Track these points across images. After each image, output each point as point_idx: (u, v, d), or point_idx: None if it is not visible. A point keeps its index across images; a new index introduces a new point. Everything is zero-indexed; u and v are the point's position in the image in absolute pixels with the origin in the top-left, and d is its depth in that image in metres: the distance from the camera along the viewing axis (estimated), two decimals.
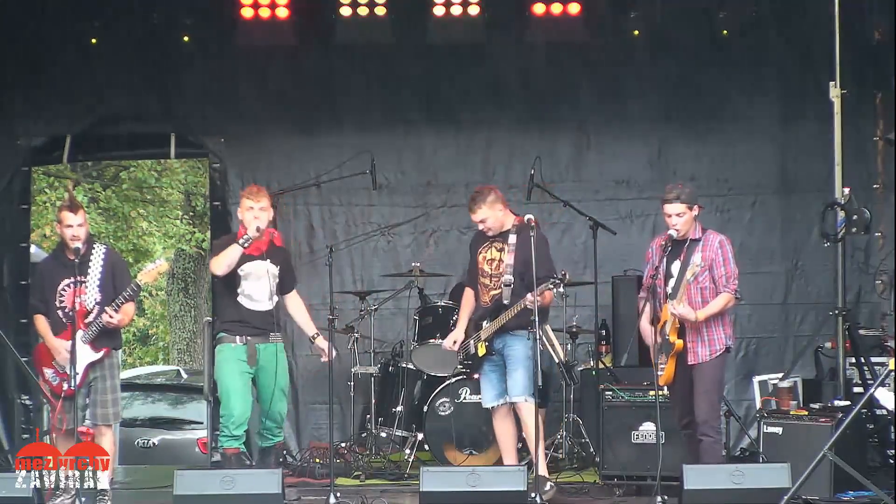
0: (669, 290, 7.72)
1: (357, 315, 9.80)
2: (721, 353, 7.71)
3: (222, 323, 8.42)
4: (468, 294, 8.39)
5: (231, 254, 8.20)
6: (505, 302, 8.06)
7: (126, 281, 8.14)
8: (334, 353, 8.32)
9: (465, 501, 7.23)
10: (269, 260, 8.33)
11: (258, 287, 8.30)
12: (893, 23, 9.37)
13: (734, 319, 7.96)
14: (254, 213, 8.22)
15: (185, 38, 10.11)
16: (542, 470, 7.96)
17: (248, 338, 8.26)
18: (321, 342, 8.40)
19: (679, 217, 7.69)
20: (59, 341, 7.99)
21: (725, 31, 10.15)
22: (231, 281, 8.27)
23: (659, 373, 7.68)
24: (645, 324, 7.75)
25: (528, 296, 7.85)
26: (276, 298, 8.38)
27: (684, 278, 7.62)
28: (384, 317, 10.20)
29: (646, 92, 10.47)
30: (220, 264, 8.24)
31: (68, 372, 7.88)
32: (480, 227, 8.24)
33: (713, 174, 10.45)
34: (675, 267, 7.74)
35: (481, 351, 8.14)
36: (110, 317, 7.95)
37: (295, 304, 8.56)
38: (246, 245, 8.14)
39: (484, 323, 8.16)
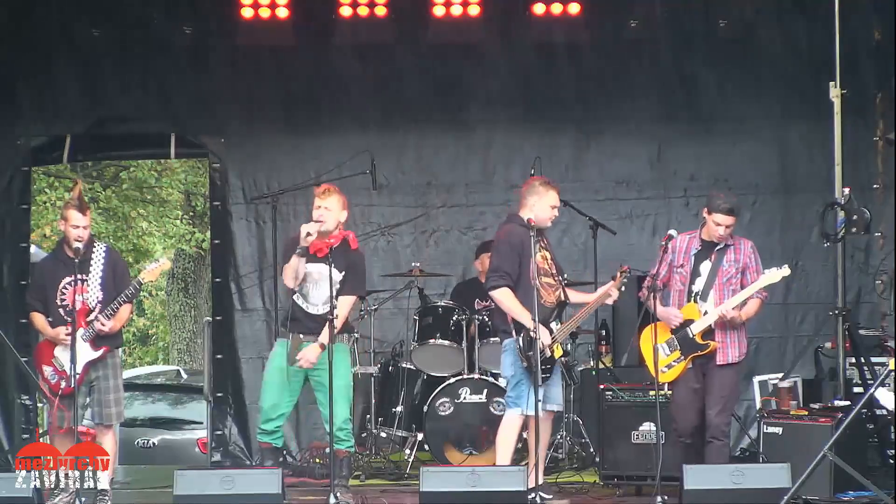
0: (696, 288, 7.79)
1: (357, 315, 9.79)
2: (745, 357, 7.80)
3: (283, 319, 8.23)
4: (514, 295, 7.84)
5: (294, 265, 7.95)
6: (566, 301, 7.99)
7: (126, 279, 8.15)
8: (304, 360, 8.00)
9: (465, 501, 7.23)
10: (333, 264, 7.92)
11: (315, 290, 8.00)
12: (893, 23, 9.37)
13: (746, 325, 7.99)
14: (319, 211, 7.97)
15: (186, 39, 10.10)
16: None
17: (298, 335, 7.97)
18: (311, 350, 7.94)
19: (728, 228, 7.77)
20: (57, 329, 7.98)
21: (725, 31, 10.14)
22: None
23: (664, 369, 7.72)
24: (661, 309, 7.76)
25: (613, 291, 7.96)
26: (334, 303, 7.88)
27: (749, 284, 7.70)
28: (384, 317, 10.19)
29: (646, 92, 10.48)
30: (288, 278, 8.01)
31: (68, 370, 7.89)
32: (555, 214, 8.04)
33: (713, 174, 10.45)
34: (705, 267, 7.82)
35: (559, 352, 7.93)
36: (102, 324, 7.97)
37: (340, 305, 7.94)
38: (302, 254, 7.90)
39: (552, 324, 7.90)
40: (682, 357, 7.76)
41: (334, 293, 7.89)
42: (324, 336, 7.88)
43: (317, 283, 8.00)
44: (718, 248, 7.83)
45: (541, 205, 7.98)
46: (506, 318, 7.91)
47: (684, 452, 7.78)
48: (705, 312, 7.76)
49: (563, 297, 8.01)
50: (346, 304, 8.02)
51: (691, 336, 7.74)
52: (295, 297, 8.06)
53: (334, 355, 7.80)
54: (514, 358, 7.86)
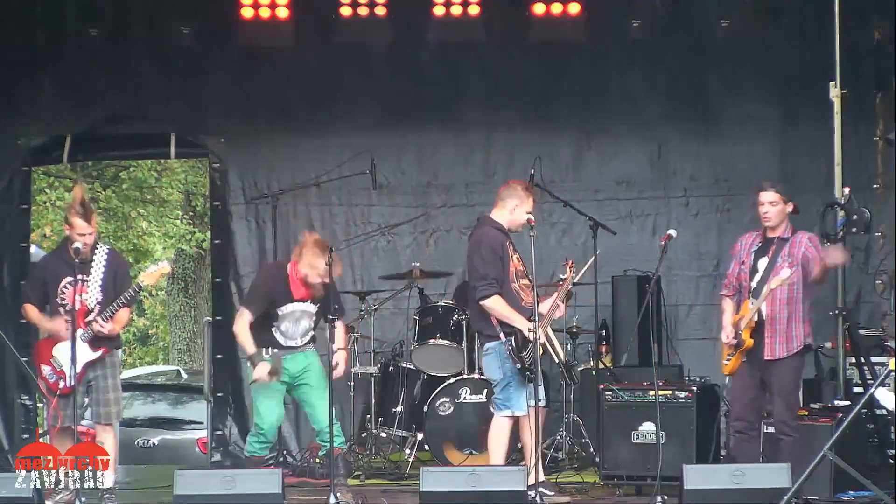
0: (754, 285, 7.81)
1: (357, 315, 9.79)
2: (799, 351, 7.75)
3: (262, 344, 8.30)
4: (504, 301, 7.88)
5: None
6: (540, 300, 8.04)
7: (127, 282, 8.15)
8: (340, 368, 8.23)
9: (465, 501, 7.23)
10: (309, 301, 8.22)
11: (294, 327, 8.23)
12: (893, 23, 9.37)
13: (812, 318, 7.90)
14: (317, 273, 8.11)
15: (186, 39, 10.09)
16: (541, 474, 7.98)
17: (274, 350, 8.19)
18: (339, 355, 8.18)
19: (772, 206, 7.78)
20: (53, 322, 7.99)
21: (725, 31, 10.13)
22: (268, 317, 8.20)
23: (725, 361, 7.84)
24: (728, 319, 7.83)
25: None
26: (311, 334, 8.31)
27: (767, 283, 7.67)
28: (384, 317, 10.19)
29: (646, 92, 10.48)
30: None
31: (66, 370, 7.90)
32: (530, 219, 7.93)
33: (713, 174, 10.47)
34: (762, 263, 7.82)
35: (540, 351, 7.95)
36: (101, 326, 7.96)
37: (339, 335, 8.31)
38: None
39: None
40: (734, 352, 7.82)
41: (310, 327, 8.28)
42: (340, 340, 8.28)
43: (297, 320, 8.24)
44: (775, 244, 7.82)
45: (520, 209, 7.98)
46: (489, 323, 7.92)
47: (736, 443, 7.89)
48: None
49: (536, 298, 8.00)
50: (339, 328, 8.31)
51: (740, 332, 7.78)
52: (273, 329, 8.24)
53: (312, 361, 8.28)
54: (502, 361, 7.87)
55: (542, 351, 7.97)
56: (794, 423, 7.77)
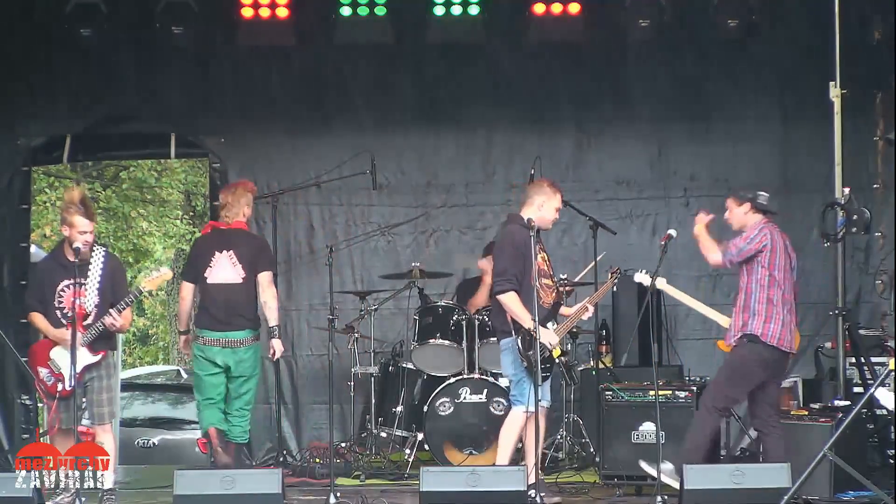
0: None
1: (357, 315, 9.79)
2: (737, 343, 7.78)
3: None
4: (519, 299, 7.87)
5: None
6: (562, 301, 8.11)
7: (123, 284, 8.16)
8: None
9: (465, 501, 7.23)
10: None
11: None
12: (893, 23, 9.37)
13: (760, 311, 7.77)
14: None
15: (185, 38, 10.07)
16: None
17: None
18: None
19: (728, 212, 7.95)
20: (61, 331, 7.96)
21: (725, 31, 10.13)
22: None
23: None
24: None
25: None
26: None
27: None
28: (384, 317, 10.19)
29: (646, 92, 10.48)
30: None
31: (64, 372, 7.90)
32: (557, 217, 8.14)
33: (713, 174, 10.46)
34: None
35: (557, 353, 7.99)
36: (114, 319, 7.94)
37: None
38: None
39: (549, 325, 7.97)
40: None
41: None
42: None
43: None
44: None
45: (548, 206, 8.06)
46: (505, 319, 7.95)
47: (757, 440, 8.16)
48: None
49: (559, 298, 8.10)
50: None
51: None
52: None
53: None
54: (514, 357, 7.91)
55: (559, 352, 7.99)
56: (716, 405, 7.76)
